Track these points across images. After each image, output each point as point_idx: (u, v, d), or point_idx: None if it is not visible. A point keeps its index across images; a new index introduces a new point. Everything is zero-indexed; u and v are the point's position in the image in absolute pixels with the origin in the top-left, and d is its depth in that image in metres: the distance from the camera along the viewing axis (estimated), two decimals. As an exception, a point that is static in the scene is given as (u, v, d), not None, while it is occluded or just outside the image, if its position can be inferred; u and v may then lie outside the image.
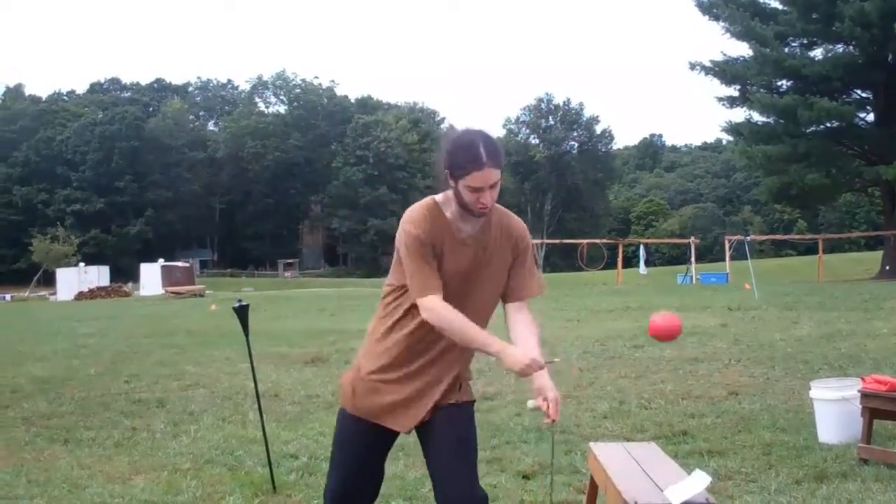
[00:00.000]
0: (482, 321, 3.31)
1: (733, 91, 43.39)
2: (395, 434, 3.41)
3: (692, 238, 47.59)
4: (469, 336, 3.17)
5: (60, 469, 6.44)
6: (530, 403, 3.25)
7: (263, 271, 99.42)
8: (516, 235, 3.39)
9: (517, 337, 3.31)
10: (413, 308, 3.26)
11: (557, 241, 67.08)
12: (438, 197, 3.33)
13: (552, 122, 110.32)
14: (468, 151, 3.15)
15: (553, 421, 3.18)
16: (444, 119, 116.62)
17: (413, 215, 3.27)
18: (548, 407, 3.18)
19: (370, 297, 33.35)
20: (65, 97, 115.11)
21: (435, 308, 3.17)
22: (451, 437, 3.29)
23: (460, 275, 3.27)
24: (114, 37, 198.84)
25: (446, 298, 3.21)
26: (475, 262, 3.29)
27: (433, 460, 3.33)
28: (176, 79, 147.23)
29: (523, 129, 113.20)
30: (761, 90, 40.39)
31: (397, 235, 3.30)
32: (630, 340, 13.63)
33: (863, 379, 6.21)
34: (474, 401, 3.46)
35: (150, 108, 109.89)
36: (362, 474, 3.44)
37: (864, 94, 41.08)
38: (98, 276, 57.13)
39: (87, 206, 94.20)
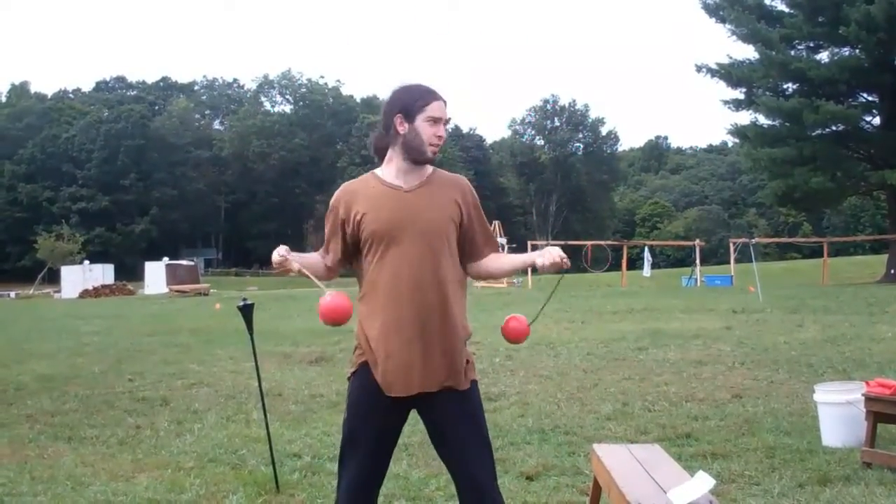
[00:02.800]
0: (446, 267, 3.33)
1: (739, 94, 43.33)
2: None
3: (697, 240, 47.57)
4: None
5: (64, 466, 6.46)
6: (539, 261, 3.32)
7: (268, 270, 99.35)
8: (458, 183, 3.48)
9: (495, 267, 3.52)
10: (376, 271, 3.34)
11: (562, 242, 66.98)
12: (375, 170, 3.49)
13: (558, 124, 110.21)
14: (420, 87, 3.40)
15: (565, 264, 3.28)
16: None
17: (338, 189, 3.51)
18: (552, 261, 3.28)
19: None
20: (70, 95, 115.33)
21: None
22: (462, 418, 3.31)
23: (404, 221, 3.30)
24: (120, 35, 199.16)
25: (398, 249, 3.29)
26: (417, 207, 3.33)
27: (442, 441, 3.35)
28: (182, 77, 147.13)
29: (529, 129, 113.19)
30: (767, 93, 40.28)
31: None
32: (634, 342, 13.62)
33: (867, 383, 6.20)
34: (476, 380, 3.44)
35: (156, 107, 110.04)
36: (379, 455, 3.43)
37: (869, 98, 40.98)
38: (103, 274, 57.24)
39: (92, 204, 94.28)
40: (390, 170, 3.41)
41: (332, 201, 3.47)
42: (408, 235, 3.29)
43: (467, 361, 3.38)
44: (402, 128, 3.33)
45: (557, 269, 3.27)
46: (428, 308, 3.27)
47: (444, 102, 3.37)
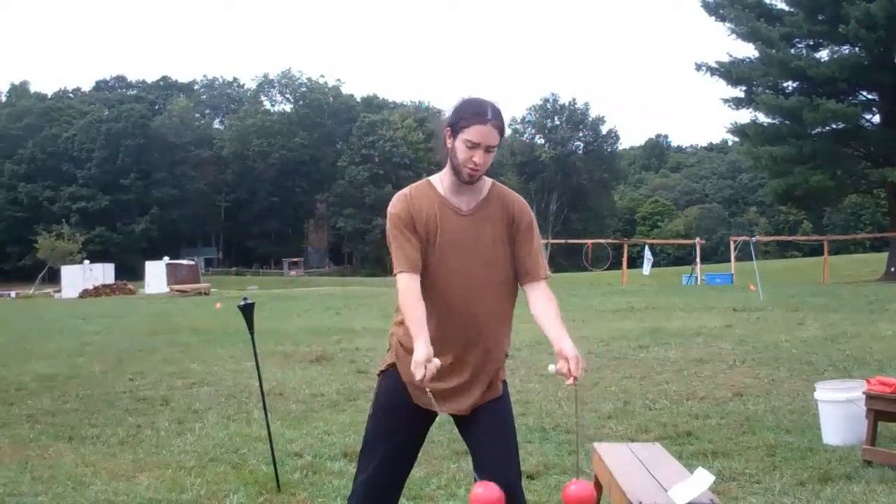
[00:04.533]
0: (498, 296, 3.31)
1: (739, 92, 43.36)
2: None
3: (697, 239, 47.54)
4: (408, 321, 3.14)
5: (65, 466, 6.45)
6: (551, 368, 3.19)
7: (268, 270, 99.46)
8: (516, 208, 3.36)
9: (537, 317, 3.33)
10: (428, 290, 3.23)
11: (563, 240, 67.11)
12: (433, 177, 3.39)
13: (558, 122, 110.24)
14: (475, 105, 3.22)
15: (575, 379, 3.09)
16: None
17: (394, 198, 3.35)
18: (568, 368, 3.10)
19: (375, 296, 33.35)
20: (70, 94, 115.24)
21: (401, 286, 3.21)
22: (495, 422, 3.33)
23: (458, 246, 3.25)
24: (120, 35, 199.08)
25: (449, 273, 3.22)
26: (473, 233, 3.26)
27: (477, 444, 3.35)
28: (182, 77, 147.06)
29: (529, 128, 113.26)
30: (767, 91, 40.31)
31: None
32: (635, 341, 13.62)
33: (868, 381, 6.20)
34: (505, 380, 3.47)
35: (156, 106, 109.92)
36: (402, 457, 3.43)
37: (869, 96, 41.00)
38: (103, 273, 57.15)
39: (93, 204, 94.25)
40: (447, 181, 3.33)
41: (393, 211, 3.31)
42: (461, 259, 3.24)
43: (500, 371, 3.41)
44: (449, 142, 3.26)
45: (570, 378, 3.11)
46: (473, 335, 3.27)
47: (495, 127, 3.21)
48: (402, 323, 3.29)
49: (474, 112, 3.19)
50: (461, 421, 3.39)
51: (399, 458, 3.41)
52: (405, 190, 3.37)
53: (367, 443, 3.43)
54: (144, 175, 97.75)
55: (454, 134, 3.22)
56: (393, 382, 3.39)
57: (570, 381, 3.09)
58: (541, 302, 3.33)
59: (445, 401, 3.26)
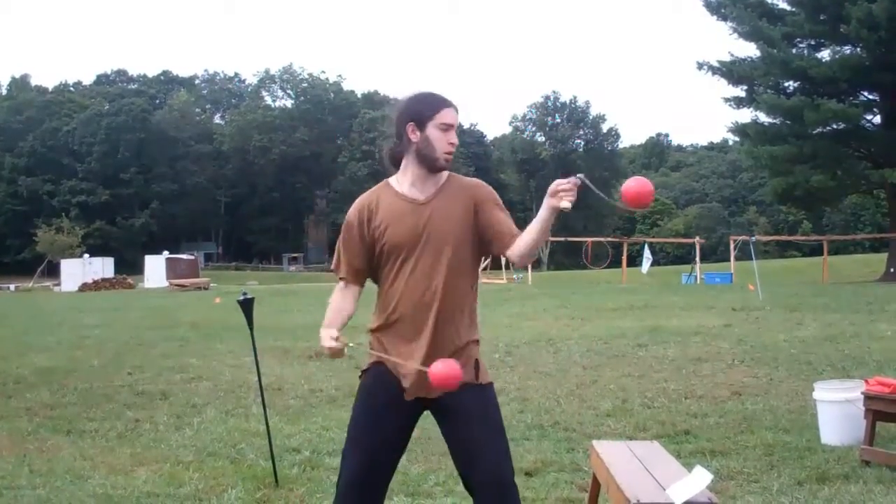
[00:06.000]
0: (455, 277, 3.35)
1: (740, 91, 43.26)
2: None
3: (697, 238, 47.51)
4: (327, 313, 3.48)
5: (63, 460, 6.46)
6: (557, 204, 3.09)
7: (268, 265, 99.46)
8: (476, 189, 3.45)
9: (520, 237, 3.35)
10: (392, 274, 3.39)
11: (562, 238, 67.02)
12: (390, 178, 3.50)
13: (558, 120, 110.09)
14: (432, 95, 3.41)
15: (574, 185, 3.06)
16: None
17: (353, 204, 3.50)
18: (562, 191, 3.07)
19: (374, 292, 33.33)
20: (71, 88, 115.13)
21: (336, 292, 3.53)
22: (476, 413, 3.33)
23: (415, 233, 3.33)
24: (121, 28, 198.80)
25: (419, 259, 3.33)
26: (432, 219, 3.35)
27: (457, 437, 3.36)
28: (183, 71, 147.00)
29: (529, 126, 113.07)
30: (768, 91, 40.23)
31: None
32: (634, 339, 13.63)
33: (866, 381, 6.21)
34: (492, 383, 3.48)
35: (157, 101, 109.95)
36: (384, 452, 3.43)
37: (870, 97, 40.93)
38: (102, 267, 57.15)
39: (93, 198, 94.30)
40: (406, 179, 3.42)
41: (348, 218, 3.48)
42: (423, 247, 3.33)
43: (477, 361, 3.41)
44: (415, 136, 3.34)
45: (572, 194, 3.08)
46: (441, 317, 3.32)
47: (456, 109, 3.38)
48: (375, 329, 3.46)
49: (437, 99, 3.37)
50: (442, 418, 3.41)
51: (381, 456, 3.39)
52: (362, 196, 3.51)
53: (349, 440, 3.44)
54: (145, 169, 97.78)
55: (421, 125, 3.33)
56: (373, 379, 3.43)
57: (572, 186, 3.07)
58: (520, 237, 3.36)
59: (412, 384, 3.32)
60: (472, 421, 3.32)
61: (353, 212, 3.47)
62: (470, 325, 3.43)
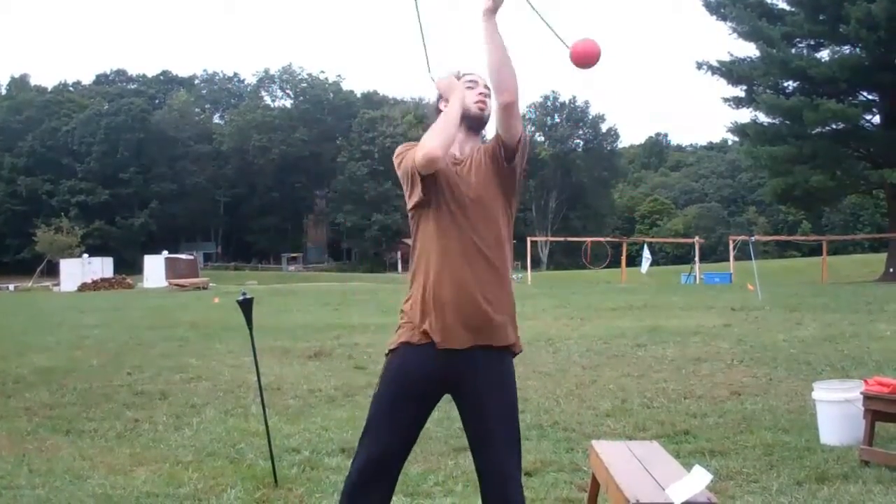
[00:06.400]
0: (491, 229, 3.48)
1: (739, 91, 43.31)
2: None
3: (696, 238, 47.57)
4: (452, 110, 3.50)
5: (62, 460, 6.46)
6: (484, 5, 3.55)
7: (267, 265, 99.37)
8: (488, 141, 3.64)
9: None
10: (430, 232, 3.45)
11: (562, 238, 67.16)
12: None
13: (558, 120, 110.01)
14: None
15: None
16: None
17: (401, 147, 3.68)
18: None
19: (373, 292, 33.37)
20: (70, 88, 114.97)
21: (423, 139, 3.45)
22: (493, 403, 3.41)
23: (454, 186, 3.45)
24: (120, 28, 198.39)
25: (450, 211, 3.42)
26: (466, 175, 3.49)
27: (471, 422, 3.45)
28: (182, 71, 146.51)
29: (529, 126, 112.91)
30: (767, 91, 40.28)
31: (396, 166, 3.60)
32: (633, 339, 13.63)
33: (865, 381, 6.20)
34: (517, 352, 3.59)
35: (156, 101, 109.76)
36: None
37: (870, 97, 40.97)
38: (102, 267, 57.12)
39: (92, 198, 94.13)
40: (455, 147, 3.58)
41: (398, 153, 3.60)
42: (459, 202, 3.43)
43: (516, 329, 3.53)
44: (445, 104, 3.57)
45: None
46: (479, 268, 3.41)
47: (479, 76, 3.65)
48: (408, 300, 3.49)
49: (458, 72, 3.66)
50: (464, 406, 3.46)
51: (398, 439, 3.42)
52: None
53: (369, 422, 3.46)
54: (144, 169, 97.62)
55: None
56: (400, 359, 3.45)
57: None
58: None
59: (456, 332, 3.37)
60: (487, 410, 3.39)
61: (401, 150, 3.65)
62: (511, 285, 3.59)
